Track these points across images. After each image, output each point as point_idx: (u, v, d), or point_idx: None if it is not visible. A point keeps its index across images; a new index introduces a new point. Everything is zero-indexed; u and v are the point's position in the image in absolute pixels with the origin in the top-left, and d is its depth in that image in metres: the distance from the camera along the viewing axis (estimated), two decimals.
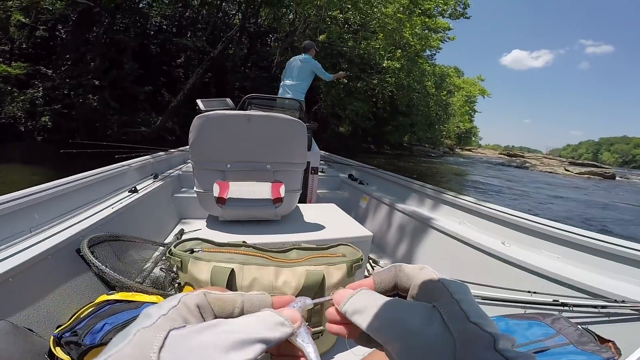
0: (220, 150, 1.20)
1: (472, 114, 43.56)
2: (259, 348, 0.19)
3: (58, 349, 0.81)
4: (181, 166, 2.69)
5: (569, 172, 24.69)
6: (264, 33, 15.54)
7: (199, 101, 1.36)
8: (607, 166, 32.94)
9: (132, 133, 9.56)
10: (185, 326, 0.18)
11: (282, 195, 1.21)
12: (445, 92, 28.99)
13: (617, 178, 25.46)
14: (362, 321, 0.23)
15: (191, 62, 12.61)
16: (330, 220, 1.46)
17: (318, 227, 1.36)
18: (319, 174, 2.18)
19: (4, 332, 0.80)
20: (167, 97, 11.70)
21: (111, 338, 0.83)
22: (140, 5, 11.84)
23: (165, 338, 0.17)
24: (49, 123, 8.39)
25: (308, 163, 1.98)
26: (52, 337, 0.83)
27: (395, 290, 0.28)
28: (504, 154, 39.87)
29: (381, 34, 13.99)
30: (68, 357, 0.80)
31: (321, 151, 2.49)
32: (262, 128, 1.19)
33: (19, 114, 8.17)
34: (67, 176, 1.39)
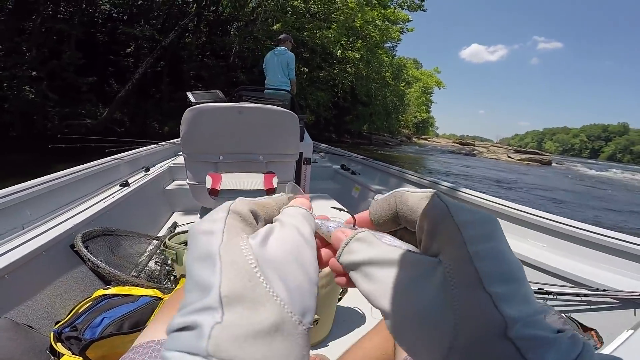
0: (212, 143, 1.22)
1: (429, 104, 45.56)
2: (314, 239, 0.21)
3: (59, 344, 0.83)
4: (172, 158, 2.63)
5: (510, 159, 27.03)
6: (224, 21, 14.95)
7: (189, 93, 1.35)
8: (547, 154, 36.41)
9: (75, 125, 8.91)
10: (248, 236, 0.18)
11: (275, 186, 1.25)
12: (404, 83, 30.07)
13: (553, 164, 28.30)
14: (356, 279, 0.19)
15: (141, 50, 11.87)
16: (322, 210, 1.50)
17: None
18: (312, 164, 2.20)
19: (5, 329, 0.80)
20: (115, 87, 11.01)
21: (111, 331, 0.87)
22: None
23: (250, 248, 0.17)
24: None
25: (300, 154, 2.00)
26: (52, 333, 0.84)
27: (400, 225, 0.23)
28: (457, 143, 42.44)
29: (334, 24, 14.16)
30: (69, 352, 0.82)
31: (314, 142, 2.52)
32: (254, 120, 1.22)
33: None
34: None
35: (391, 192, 0.23)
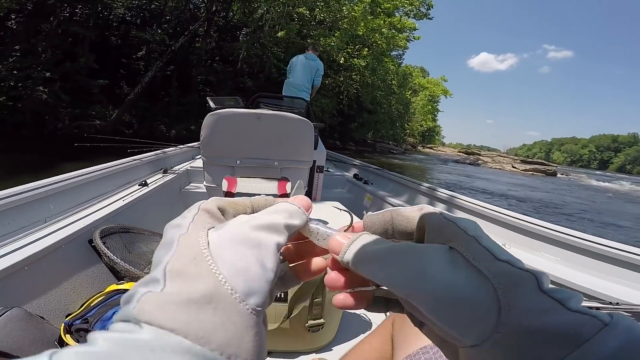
0: (230, 147, 1.25)
1: (435, 113, 45.51)
2: (286, 232, 0.21)
3: (68, 336, 0.85)
4: (190, 161, 2.68)
5: (515, 169, 26.80)
6: (233, 27, 15.17)
7: (209, 99, 1.39)
8: (554, 164, 36.01)
9: (85, 126, 9.05)
10: (214, 227, 0.19)
11: (289, 191, 1.27)
12: (410, 91, 30.12)
13: (558, 175, 28.07)
14: (375, 272, 0.19)
15: (152, 54, 12.08)
16: (334, 218, 1.49)
17: None
18: (325, 172, 2.22)
19: (17, 318, 0.82)
20: (126, 89, 11.19)
21: None
22: None
23: (207, 236, 0.18)
24: None
25: (314, 161, 2.01)
26: (62, 325, 0.86)
27: (390, 238, 0.24)
28: (462, 152, 42.30)
29: (337, 32, 14.30)
30: (77, 344, 0.83)
31: (327, 150, 2.55)
32: (271, 126, 1.25)
33: None
34: None
35: (384, 210, 0.25)
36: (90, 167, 1.50)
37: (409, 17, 17.38)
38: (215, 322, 0.15)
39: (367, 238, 0.21)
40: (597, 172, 77.97)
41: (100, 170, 1.50)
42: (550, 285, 0.16)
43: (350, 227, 0.25)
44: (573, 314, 0.15)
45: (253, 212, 0.22)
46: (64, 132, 8.84)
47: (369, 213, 0.25)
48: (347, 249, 0.21)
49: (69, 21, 9.80)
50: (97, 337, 0.13)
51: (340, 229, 0.25)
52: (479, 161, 31.14)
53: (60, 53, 9.06)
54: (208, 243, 0.18)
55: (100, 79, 9.75)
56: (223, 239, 0.18)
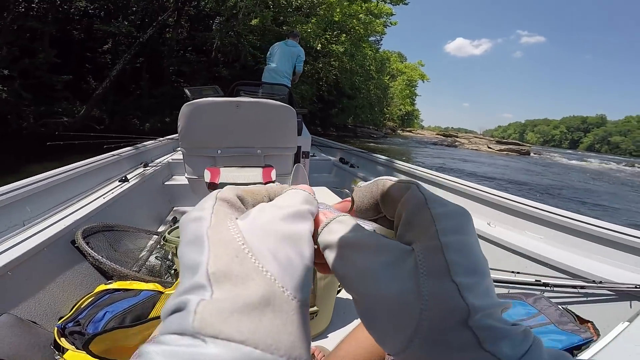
0: (210, 137, 1.22)
1: (414, 97, 45.93)
2: (312, 218, 0.20)
3: (63, 339, 0.84)
4: (171, 154, 2.64)
5: (490, 149, 27.75)
6: (206, 16, 14.63)
7: (186, 89, 1.36)
8: (527, 144, 37.49)
9: (51, 124, 8.61)
10: (237, 218, 0.18)
11: (274, 179, 1.26)
12: (389, 76, 30.20)
13: (531, 154, 29.25)
14: (331, 260, 0.19)
15: (119, 47, 11.52)
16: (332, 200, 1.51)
17: None
18: (310, 158, 2.21)
19: (9, 325, 0.81)
20: (93, 84, 10.67)
21: (113, 325, 0.88)
22: None
23: (239, 228, 0.17)
24: None
25: (299, 147, 1.99)
26: (56, 329, 0.85)
27: (380, 213, 0.23)
28: (440, 135, 43.25)
29: (314, 18, 14.13)
30: (73, 347, 0.83)
31: (312, 135, 2.53)
32: (251, 114, 1.23)
33: None
34: None
35: (374, 179, 0.23)
36: (64, 166, 1.44)
37: (385, 2, 17.33)
38: (278, 326, 0.14)
39: (343, 221, 0.20)
40: (568, 151, 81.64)
41: (78, 168, 1.45)
42: (495, 322, 0.15)
43: (352, 207, 0.24)
44: (484, 353, 0.14)
45: (270, 201, 0.21)
46: (30, 131, 8.39)
47: (359, 184, 0.24)
48: (320, 231, 0.20)
49: (25, 16, 9.16)
50: (154, 352, 0.12)
51: (339, 204, 0.25)
52: (457, 143, 31.97)
53: (17, 49, 8.49)
54: (244, 237, 0.16)
55: (64, 74, 9.20)
56: (255, 231, 0.17)
